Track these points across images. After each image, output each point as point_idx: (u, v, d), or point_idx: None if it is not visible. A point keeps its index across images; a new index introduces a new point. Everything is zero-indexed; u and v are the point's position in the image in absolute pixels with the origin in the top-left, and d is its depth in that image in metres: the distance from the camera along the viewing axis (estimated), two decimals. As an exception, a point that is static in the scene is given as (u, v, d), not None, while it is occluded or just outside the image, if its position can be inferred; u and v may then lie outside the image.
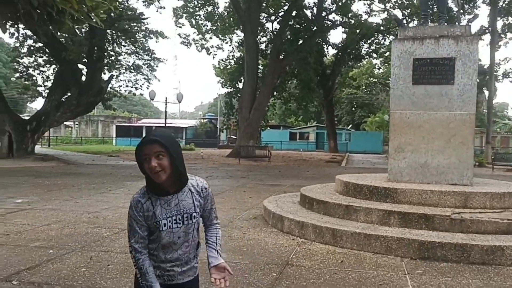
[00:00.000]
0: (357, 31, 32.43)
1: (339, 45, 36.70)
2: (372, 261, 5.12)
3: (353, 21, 33.07)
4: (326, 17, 32.92)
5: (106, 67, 26.67)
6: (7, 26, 7.45)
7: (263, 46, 33.79)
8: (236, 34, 35.10)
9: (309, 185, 9.37)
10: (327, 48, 37.02)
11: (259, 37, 32.39)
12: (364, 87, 58.48)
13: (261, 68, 33.34)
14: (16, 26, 25.10)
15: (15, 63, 34.44)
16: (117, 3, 27.93)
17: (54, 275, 4.37)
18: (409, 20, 31.85)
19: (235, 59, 35.46)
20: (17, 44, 32.11)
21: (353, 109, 63.35)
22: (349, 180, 7.31)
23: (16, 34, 30.66)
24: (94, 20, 5.64)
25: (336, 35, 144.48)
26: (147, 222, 2.02)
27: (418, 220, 5.77)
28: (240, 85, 32.59)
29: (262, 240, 6.04)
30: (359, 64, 49.55)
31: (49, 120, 25.02)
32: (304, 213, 6.87)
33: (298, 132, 51.58)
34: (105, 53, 25.68)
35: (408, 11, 32.07)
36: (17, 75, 37.22)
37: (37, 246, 5.47)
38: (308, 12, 32.89)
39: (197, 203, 2.11)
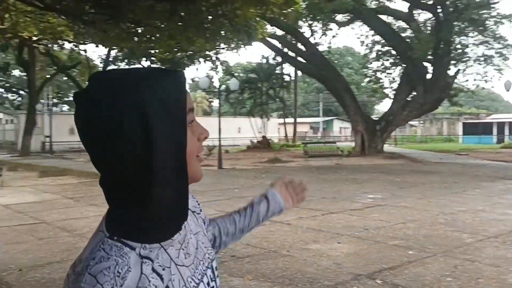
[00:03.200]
0: None
1: None
2: None
3: None
4: None
5: (452, 62, 25.36)
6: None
7: None
8: None
9: None
10: None
11: None
12: None
13: None
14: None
15: (364, 69, 37.34)
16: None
17: (417, 280, 4.07)
18: None
19: None
20: (367, 51, 34.82)
21: None
22: None
23: (366, 42, 33.37)
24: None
25: None
26: None
27: None
28: None
29: None
30: None
31: (396, 120, 25.77)
32: None
33: None
34: (452, 47, 24.42)
35: None
36: (367, 80, 40.20)
37: (395, 245, 5.35)
38: None
39: (205, 227, 0.95)
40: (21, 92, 54.03)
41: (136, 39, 5.44)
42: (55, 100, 65.21)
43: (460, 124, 55.95)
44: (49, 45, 38.37)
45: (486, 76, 30.04)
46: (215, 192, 10.17)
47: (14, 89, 56.67)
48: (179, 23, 4.97)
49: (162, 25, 5.02)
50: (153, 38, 5.39)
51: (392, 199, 8.97)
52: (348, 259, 4.78)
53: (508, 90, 19.08)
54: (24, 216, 7.46)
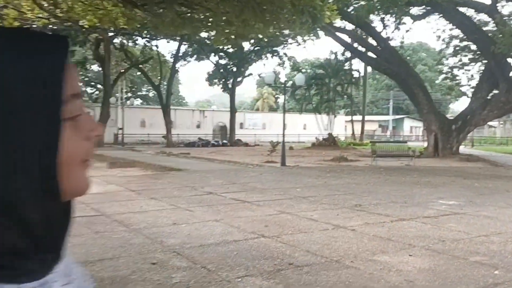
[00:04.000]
0: None
1: None
2: None
3: None
4: None
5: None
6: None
7: None
8: None
9: None
10: None
11: None
12: None
13: None
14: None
15: (440, 66, 35.26)
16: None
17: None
18: None
19: None
20: (443, 46, 32.82)
21: None
22: None
23: (442, 36, 31.46)
24: None
25: None
26: None
27: None
28: None
29: None
30: None
31: (474, 119, 24.00)
32: None
33: None
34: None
35: None
36: (442, 77, 37.95)
37: (478, 262, 4.67)
38: None
39: None
40: (99, 86, 56.89)
41: (192, 25, 5.20)
42: (129, 94, 68.16)
43: (545, 125, 51.52)
44: (124, 41, 40.08)
45: None
46: (277, 190, 9.80)
47: (92, 83, 59.93)
48: (235, 4, 4.63)
49: (218, 8, 4.72)
50: (209, 24, 5.11)
51: (471, 206, 8.10)
52: (421, 276, 4.21)
53: None
54: (86, 208, 7.51)
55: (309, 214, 7.12)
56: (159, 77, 37.66)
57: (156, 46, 37.11)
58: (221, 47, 37.67)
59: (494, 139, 53.73)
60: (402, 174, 14.09)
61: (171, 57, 38.05)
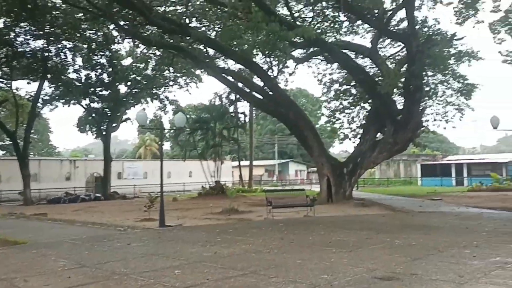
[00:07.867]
0: None
1: None
2: None
3: None
4: None
5: (426, 98, 23.29)
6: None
7: None
8: None
9: None
10: None
11: None
12: None
13: None
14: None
15: (321, 110, 35.16)
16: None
17: None
18: None
19: None
20: (324, 90, 32.80)
21: None
22: None
23: (324, 80, 31.35)
24: None
25: None
26: None
27: None
28: None
29: None
30: None
31: (365, 162, 23.22)
32: None
33: None
34: (424, 81, 22.41)
35: None
36: (322, 121, 37.94)
37: None
38: None
39: None
40: None
41: None
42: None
43: (418, 165, 54.91)
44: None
45: (446, 116, 28.33)
46: (144, 276, 6.56)
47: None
48: None
49: None
50: None
51: (419, 284, 5.78)
52: None
53: (495, 128, 16.80)
54: None
55: (191, 335, 4.11)
56: (17, 123, 32.03)
57: (11, 87, 31.79)
58: (91, 89, 33.57)
59: (373, 180, 55.74)
60: (306, 230, 11.71)
61: (28, 99, 32.92)
